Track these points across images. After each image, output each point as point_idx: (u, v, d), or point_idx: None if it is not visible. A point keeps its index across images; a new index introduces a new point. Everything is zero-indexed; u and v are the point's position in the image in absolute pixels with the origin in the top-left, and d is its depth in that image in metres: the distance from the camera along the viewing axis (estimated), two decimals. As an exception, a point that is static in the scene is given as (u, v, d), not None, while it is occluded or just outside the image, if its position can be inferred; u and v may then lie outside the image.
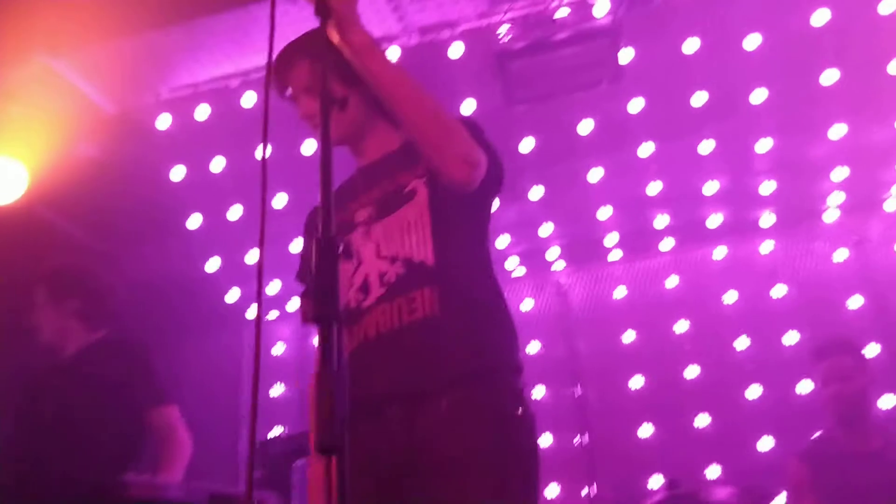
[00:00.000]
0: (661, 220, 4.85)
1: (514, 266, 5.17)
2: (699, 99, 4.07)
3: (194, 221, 4.60)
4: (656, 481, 4.41)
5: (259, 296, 1.41)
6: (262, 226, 1.38)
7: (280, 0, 1.57)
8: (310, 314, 1.02)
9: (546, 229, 4.92)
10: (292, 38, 1.95)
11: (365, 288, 1.74)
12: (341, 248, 1.05)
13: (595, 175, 4.51)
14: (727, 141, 4.32)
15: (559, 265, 5.14)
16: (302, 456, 3.27)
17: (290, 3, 1.53)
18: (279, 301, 5.03)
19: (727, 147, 4.35)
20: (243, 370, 5.10)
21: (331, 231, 1.05)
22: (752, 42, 3.80)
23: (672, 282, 4.91)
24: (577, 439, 4.65)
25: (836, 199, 4.67)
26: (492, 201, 1.86)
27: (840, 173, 4.43)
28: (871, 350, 4.41)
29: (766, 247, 4.81)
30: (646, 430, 4.64)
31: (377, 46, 1.70)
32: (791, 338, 4.58)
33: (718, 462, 4.43)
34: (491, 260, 1.84)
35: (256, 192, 1.37)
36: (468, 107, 4.09)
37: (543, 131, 4.30)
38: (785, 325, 4.60)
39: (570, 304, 5.06)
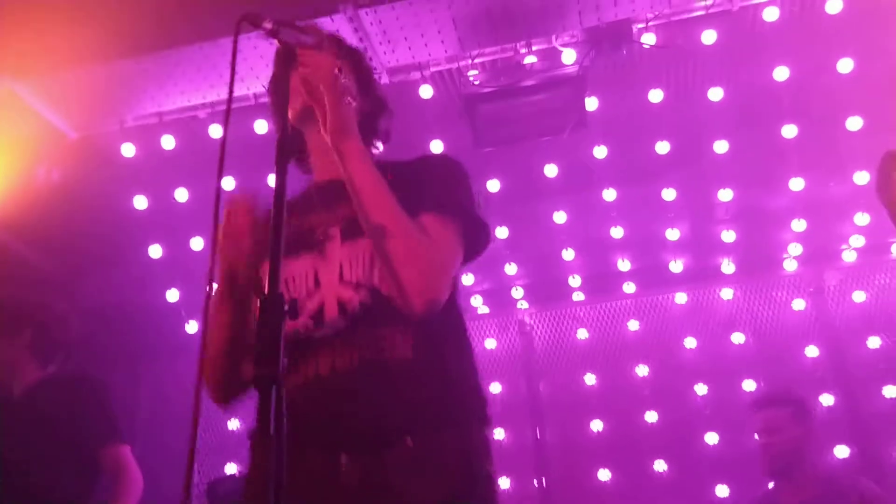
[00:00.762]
0: (624, 264, 4.90)
1: (478, 304, 5.19)
2: (662, 148, 4.14)
3: (156, 251, 4.55)
4: (613, 526, 4.40)
5: (204, 335, 1.36)
6: (212, 254, 1.35)
7: (251, 35, 1.58)
8: (254, 374, 0.98)
9: (511, 269, 4.95)
10: (263, 72, 1.92)
11: (319, 316, 1.58)
12: (288, 305, 1.03)
13: (559, 217, 4.55)
14: (689, 189, 4.40)
15: (523, 304, 5.16)
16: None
17: (262, 38, 1.53)
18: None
19: (689, 195, 4.42)
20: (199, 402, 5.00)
21: (277, 288, 1.04)
22: (715, 95, 3.88)
23: (633, 325, 4.95)
24: (535, 482, 4.64)
25: (795, 249, 4.75)
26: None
27: (799, 224, 4.53)
28: (826, 400, 4.47)
29: (727, 294, 4.87)
30: (604, 474, 4.64)
31: (368, 157, 1.61)
32: (749, 385, 4.63)
33: (675, 508, 4.44)
34: (460, 306, 1.73)
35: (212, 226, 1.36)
36: (437, 146, 4.12)
37: (510, 173, 4.34)
38: (743, 372, 4.65)
39: (533, 345, 5.08)
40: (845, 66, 3.76)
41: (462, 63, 3.62)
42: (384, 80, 3.64)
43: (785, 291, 4.80)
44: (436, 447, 1.50)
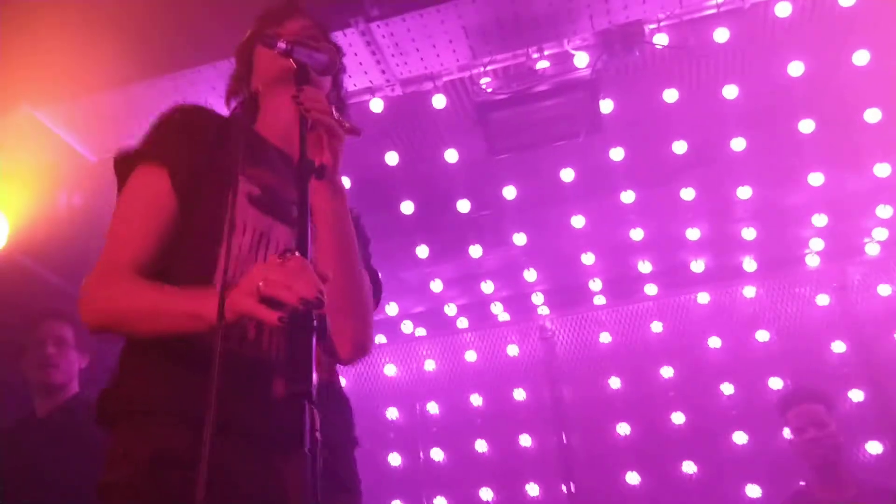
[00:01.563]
0: (645, 266, 4.88)
1: (498, 311, 5.18)
2: (679, 148, 4.12)
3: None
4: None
5: (219, 355, 1.36)
6: (225, 268, 1.32)
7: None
8: (280, 391, 0.99)
9: (530, 275, 4.94)
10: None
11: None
12: (318, 322, 1.03)
13: (578, 222, 4.54)
14: (708, 188, 4.37)
15: (543, 311, 5.15)
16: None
17: (279, 56, 1.55)
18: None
19: (708, 194, 4.39)
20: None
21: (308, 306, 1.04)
22: (730, 92, 3.86)
23: (656, 327, 4.92)
24: (563, 487, 4.62)
25: (817, 245, 4.71)
26: None
27: (819, 220, 4.49)
28: (855, 395, 4.42)
29: (749, 292, 4.83)
30: (632, 478, 4.60)
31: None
32: (775, 383, 4.58)
33: (705, 510, 4.40)
34: None
35: (225, 246, 1.36)
36: (451, 156, 4.13)
37: (526, 179, 4.34)
38: (769, 370, 4.61)
39: (555, 350, 5.06)
40: (861, 58, 3.73)
41: (474, 71, 3.62)
42: (397, 91, 3.66)
43: (808, 287, 4.75)
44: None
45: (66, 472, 2.80)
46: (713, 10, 3.40)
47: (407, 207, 4.40)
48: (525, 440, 4.82)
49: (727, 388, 4.66)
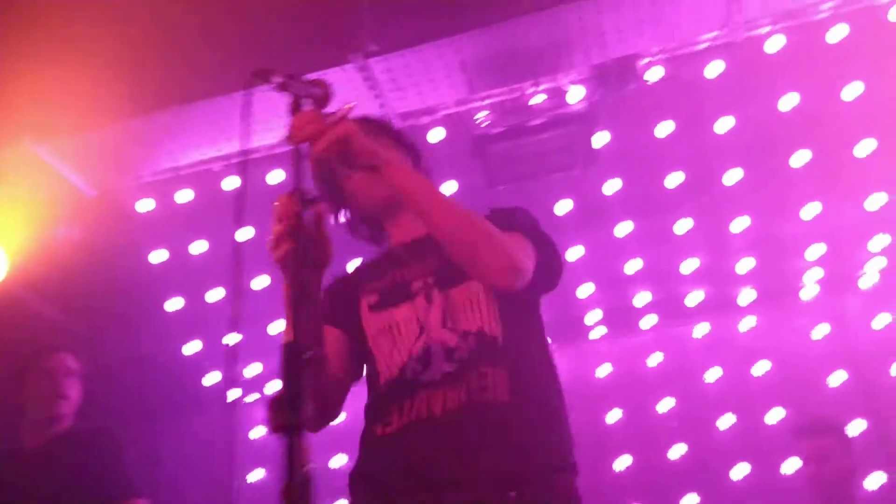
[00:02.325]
0: (642, 298, 4.88)
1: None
2: (674, 180, 4.15)
3: (173, 304, 4.58)
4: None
5: (229, 380, 1.38)
6: (234, 305, 1.36)
7: (264, 87, 1.61)
8: (276, 423, 1.00)
9: (528, 307, 4.92)
10: (274, 122, 1.94)
11: (425, 360, 1.65)
12: (309, 354, 1.04)
13: (574, 253, 4.55)
14: (703, 220, 4.39)
15: (542, 343, 5.12)
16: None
17: (275, 90, 1.57)
18: (258, 383, 4.96)
19: (704, 226, 4.41)
20: (222, 454, 4.99)
21: (298, 336, 1.05)
22: (725, 125, 3.90)
23: (655, 359, 4.90)
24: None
25: (813, 276, 4.72)
26: (543, 294, 1.84)
27: (815, 251, 4.50)
28: (856, 426, 4.39)
29: (747, 324, 4.83)
30: (633, 512, 4.56)
31: (405, 166, 1.72)
32: (775, 415, 4.56)
33: (707, 544, 4.35)
34: (550, 351, 1.80)
35: (232, 275, 1.37)
36: (450, 187, 4.15)
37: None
38: (768, 402, 4.58)
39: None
40: (854, 90, 3.77)
41: (471, 105, 3.66)
42: (395, 124, 3.68)
43: (806, 318, 4.74)
44: (536, 494, 1.55)
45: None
46: (706, 45, 3.44)
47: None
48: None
49: (727, 421, 4.63)
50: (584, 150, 3.65)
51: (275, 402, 1.02)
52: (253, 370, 4.90)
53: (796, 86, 3.78)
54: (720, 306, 4.84)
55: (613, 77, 3.49)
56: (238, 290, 1.31)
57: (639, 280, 4.76)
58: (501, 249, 1.60)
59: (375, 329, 1.76)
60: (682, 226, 4.40)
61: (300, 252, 1.27)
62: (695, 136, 3.97)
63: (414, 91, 3.51)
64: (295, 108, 1.56)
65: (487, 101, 3.63)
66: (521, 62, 3.42)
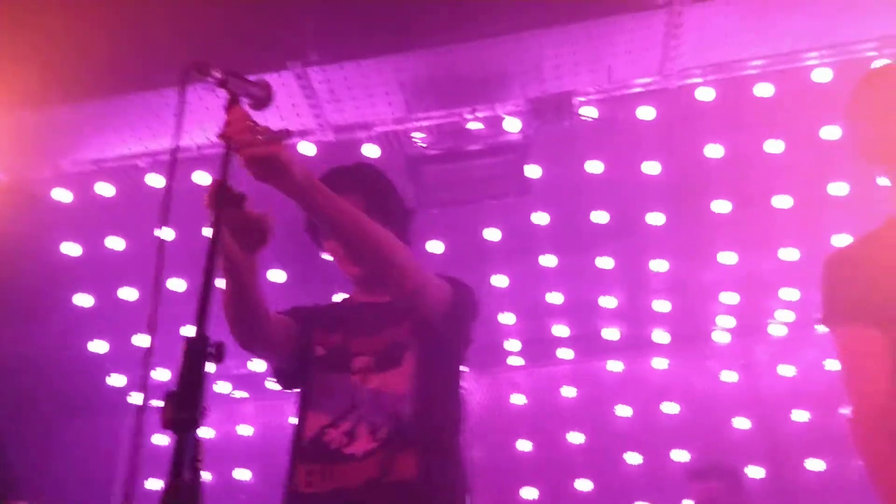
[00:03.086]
0: (561, 330, 4.93)
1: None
2: (600, 217, 4.23)
3: (83, 300, 4.40)
4: None
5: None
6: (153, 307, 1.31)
7: (197, 86, 1.56)
8: (167, 418, 0.96)
9: (448, 332, 4.91)
10: (206, 122, 1.91)
11: (352, 434, 1.83)
12: (214, 349, 1.02)
13: (499, 281, 4.57)
14: (624, 259, 4.48)
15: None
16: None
17: (208, 90, 1.52)
18: (165, 388, 4.79)
19: (625, 265, 4.50)
20: (120, 458, 4.81)
21: (202, 330, 1.01)
22: (652, 168, 4.01)
23: (569, 392, 4.95)
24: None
25: (727, 321, 4.86)
26: (465, 334, 2.09)
27: (730, 298, 4.64)
28: (755, 472, 4.52)
29: (660, 363, 4.93)
30: (535, 544, 4.57)
31: (327, 191, 1.74)
32: (681, 455, 4.66)
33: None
34: (461, 403, 2.01)
35: (153, 275, 1.33)
36: (379, 206, 4.12)
37: (452, 235, 4.36)
38: (674, 442, 4.68)
39: (470, 409, 5.02)
40: (775, 147, 3.93)
41: (408, 125, 3.66)
42: (329, 137, 3.65)
43: (717, 362, 4.87)
44: None
45: None
46: (640, 89, 3.54)
47: (329, 258, 4.35)
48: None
49: (633, 458, 4.71)
50: (518, 180, 3.69)
51: (170, 397, 0.99)
52: (162, 375, 4.73)
53: (722, 136, 3.92)
54: (634, 344, 4.93)
55: (549, 111, 3.55)
56: (158, 291, 1.25)
57: (559, 312, 4.81)
58: (416, 267, 1.88)
59: (317, 376, 1.96)
60: (604, 263, 4.48)
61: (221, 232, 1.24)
62: (622, 176, 4.06)
63: (351, 105, 3.49)
64: (231, 107, 1.52)
65: (426, 123, 3.64)
66: (459, 87, 3.45)
